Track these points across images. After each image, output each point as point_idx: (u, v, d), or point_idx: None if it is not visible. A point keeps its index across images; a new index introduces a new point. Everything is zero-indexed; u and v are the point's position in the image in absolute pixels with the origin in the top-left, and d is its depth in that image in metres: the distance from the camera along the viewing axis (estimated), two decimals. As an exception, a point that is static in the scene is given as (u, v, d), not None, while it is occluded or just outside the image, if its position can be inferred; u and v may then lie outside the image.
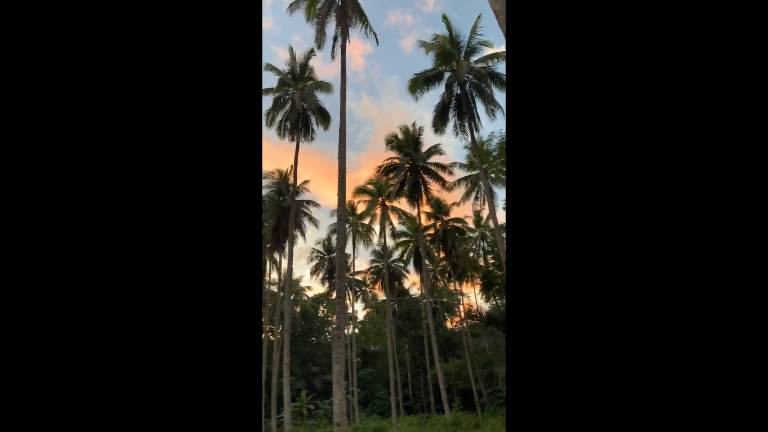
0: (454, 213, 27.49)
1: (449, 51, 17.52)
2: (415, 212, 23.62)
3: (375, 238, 28.13)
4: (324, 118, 19.77)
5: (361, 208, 26.82)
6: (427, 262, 23.90)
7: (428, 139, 53.76)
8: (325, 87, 19.69)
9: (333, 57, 14.03)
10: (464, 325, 26.86)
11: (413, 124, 22.37)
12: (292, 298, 22.48)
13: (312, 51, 19.84)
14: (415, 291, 35.18)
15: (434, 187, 22.64)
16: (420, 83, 18.13)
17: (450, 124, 18.69)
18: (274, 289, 28.24)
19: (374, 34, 14.40)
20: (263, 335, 28.14)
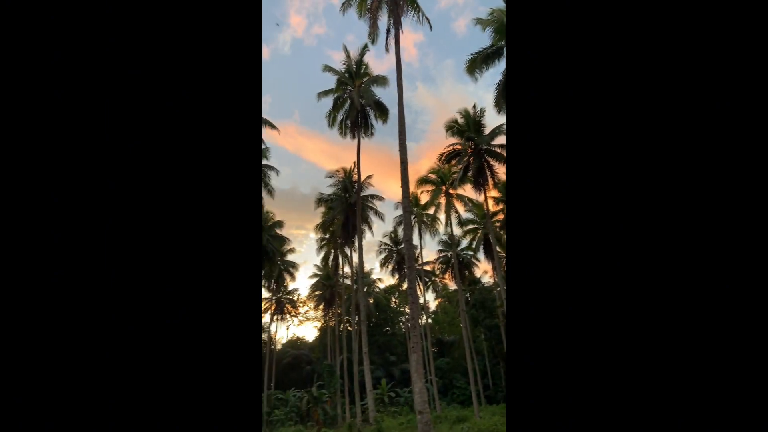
0: (525, 195, 25.84)
1: (508, 23, 16.38)
2: (481, 198, 22.76)
3: (441, 228, 27.78)
4: (382, 111, 19.93)
5: (424, 199, 26.63)
6: (498, 248, 22.93)
7: (491, 120, 51.25)
8: (381, 81, 19.81)
9: (387, 49, 14.02)
10: (544, 312, 25.29)
11: (473, 107, 21.44)
12: (365, 290, 23.27)
13: (365, 46, 20.06)
14: (487, 279, 34.15)
15: (500, 170, 21.59)
16: (478, 62, 17.30)
17: (514, 102, 17.53)
18: (348, 282, 29.48)
19: (427, 19, 14.07)
20: (341, 326, 29.60)
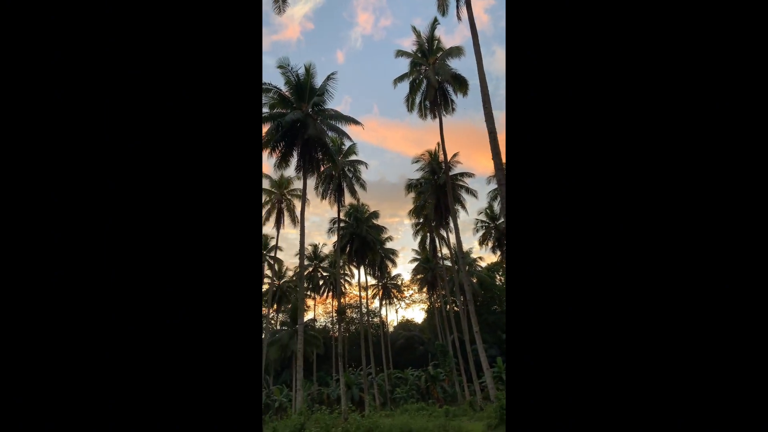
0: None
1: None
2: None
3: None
4: (461, 84, 19.07)
5: (519, 167, 24.73)
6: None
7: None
8: (456, 52, 18.91)
9: (459, 17, 13.32)
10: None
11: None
12: (467, 269, 22.95)
13: (435, 20, 19.33)
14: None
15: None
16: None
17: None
18: (448, 263, 29.38)
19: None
20: (447, 306, 29.77)
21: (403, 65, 22.45)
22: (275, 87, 16.96)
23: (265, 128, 16.81)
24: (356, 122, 18.23)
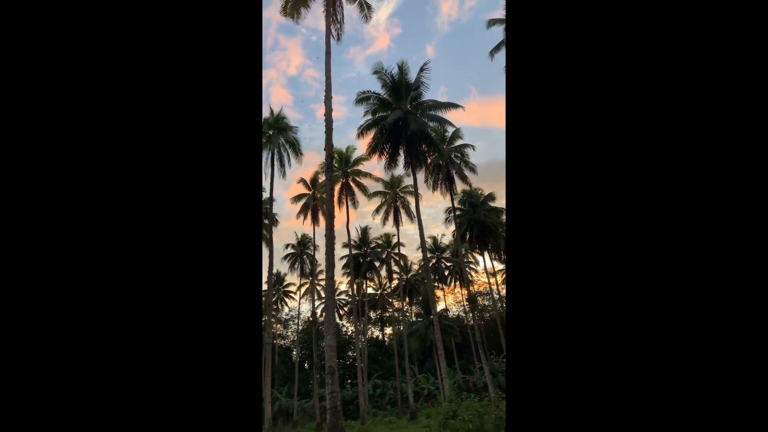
0: None
1: None
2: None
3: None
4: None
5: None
6: None
7: None
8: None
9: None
10: None
11: None
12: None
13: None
14: None
15: None
16: None
17: None
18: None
19: None
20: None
21: (498, 35, 20.84)
22: (374, 93, 17.75)
23: (370, 135, 17.76)
24: (455, 106, 17.74)
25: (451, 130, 20.94)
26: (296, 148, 20.77)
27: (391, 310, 37.87)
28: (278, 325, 40.50)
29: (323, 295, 34.32)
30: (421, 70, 17.40)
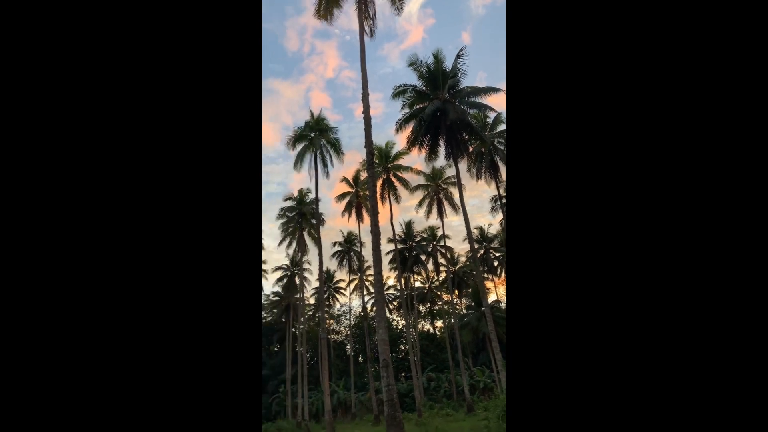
0: None
1: None
2: None
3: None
4: None
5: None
6: None
7: None
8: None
9: None
10: None
11: None
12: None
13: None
14: None
15: None
16: None
17: None
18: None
19: None
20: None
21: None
22: (410, 85, 17.58)
23: (408, 128, 17.64)
24: (495, 90, 17.05)
25: (492, 115, 20.20)
26: (337, 148, 21.19)
27: (440, 303, 37.58)
28: (331, 321, 41.87)
29: (372, 291, 34.88)
30: (458, 56, 16.92)
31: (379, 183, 22.91)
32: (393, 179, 24.28)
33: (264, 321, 40.92)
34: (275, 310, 36.86)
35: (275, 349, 39.53)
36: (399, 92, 17.75)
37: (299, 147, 20.78)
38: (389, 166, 24.04)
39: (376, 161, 21.86)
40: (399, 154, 23.80)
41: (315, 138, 20.72)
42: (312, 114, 21.56)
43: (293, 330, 32.11)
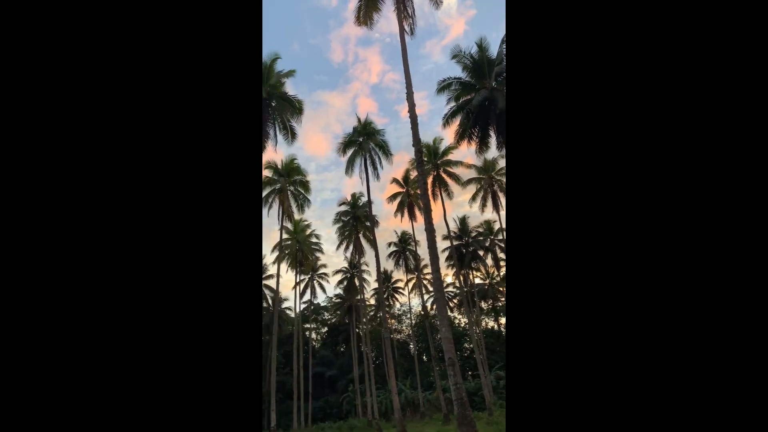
0: None
1: None
2: None
3: None
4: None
5: None
6: None
7: None
8: None
9: None
10: None
11: None
12: None
13: None
14: None
15: None
16: None
17: None
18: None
19: None
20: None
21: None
22: (454, 78, 17.23)
23: (456, 122, 17.27)
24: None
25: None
26: (385, 150, 21.41)
27: (503, 299, 36.20)
28: (392, 320, 42.33)
29: (431, 289, 34.65)
30: (503, 42, 16.23)
31: (429, 180, 22.70)
32: (443, 175, 23.93)
33: (329, 322, 42.52)
34: (338, 312, 38.15)
35: (341, 349, 40.89)
36: (444, 86, 17.47)
37: (349, 152, 21.33)
38: (438, 162, 23.73)
39: (425, 159, 21.69)
40: (448, 150, 23.39)
41: (363, 142, 21.13)
42: (359, 119, 22.04)
43: (356, 330, 32.98)
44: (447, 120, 17.65)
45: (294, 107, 17.14)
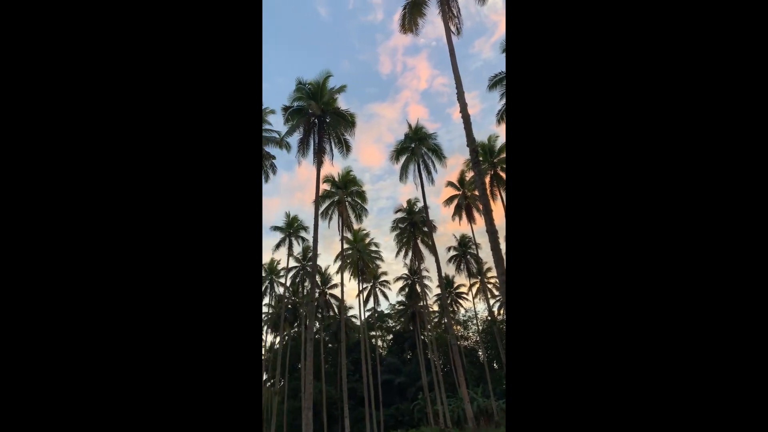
0: None
1: None
2: None
3: None
4: None
5: None
6: None
7: None
8: None
9: None
10: None
11: None
12: None
13: None
14: None
15: None
16: None
17: None
18: None
19: None
20: None
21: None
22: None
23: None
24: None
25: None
26: (438, 153, 21.19)
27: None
28: (458, 327, 41.28)
29: (496, 293, 33.24)
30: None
31: (487, 180, 21.98)
32: (501, 173, 23.02)
33: (393, 329, 42.68)
34: (402, 319, 38.17)
35: (408, 356, 40.78)
36: (495, 82, 16.92)
37: (402, 159, 21.47)
38: (495, 161, 22.90)
39: (481, 158, 21.07)
40: (504, 147, 22.50)
41: (416, 147, 21.14)
42: (410, 125, 22.13)
43: (422, 337, 32.67)
44: (501, 116, 17.02)
45: (347, 121, 17.73)
